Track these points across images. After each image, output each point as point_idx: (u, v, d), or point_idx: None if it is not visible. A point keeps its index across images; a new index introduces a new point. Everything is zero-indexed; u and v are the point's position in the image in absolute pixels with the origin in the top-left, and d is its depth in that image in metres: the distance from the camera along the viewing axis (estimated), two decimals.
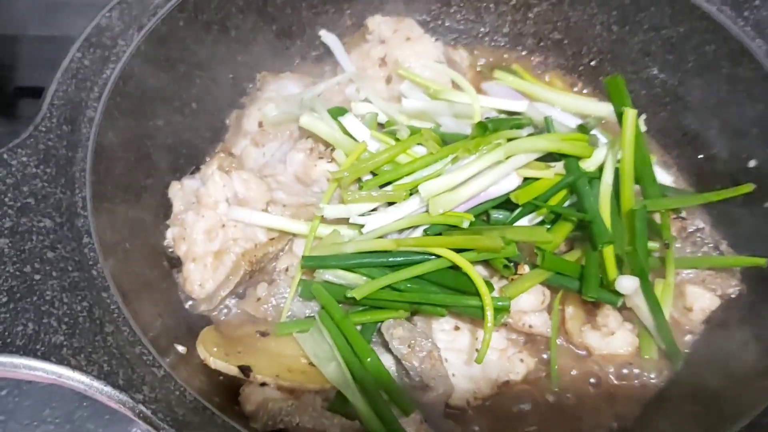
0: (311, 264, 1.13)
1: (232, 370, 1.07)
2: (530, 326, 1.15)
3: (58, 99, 1.07)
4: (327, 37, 1.46)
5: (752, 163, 1.22)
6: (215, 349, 1.10)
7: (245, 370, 1.07)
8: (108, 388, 0.86)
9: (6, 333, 0.87)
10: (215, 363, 1.08)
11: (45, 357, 0.86)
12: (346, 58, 1.44)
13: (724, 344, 1.14)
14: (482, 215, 1.17)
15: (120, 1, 1.18)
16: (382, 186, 1.17)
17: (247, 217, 1.20)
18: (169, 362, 0.95)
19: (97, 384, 0.86)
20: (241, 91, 1.43)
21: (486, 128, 1.15)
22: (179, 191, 1.26)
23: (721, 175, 1.27)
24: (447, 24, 1.55)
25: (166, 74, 1.25)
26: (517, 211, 1.15)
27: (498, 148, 1.13)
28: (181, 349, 1.07)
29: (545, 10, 1.47)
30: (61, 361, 0.86)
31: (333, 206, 1.17)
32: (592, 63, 1.48)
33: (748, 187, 1.17)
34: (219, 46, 1.34)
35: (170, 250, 1.23)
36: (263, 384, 1.08)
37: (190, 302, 1.21)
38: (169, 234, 1.24)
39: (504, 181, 1.14)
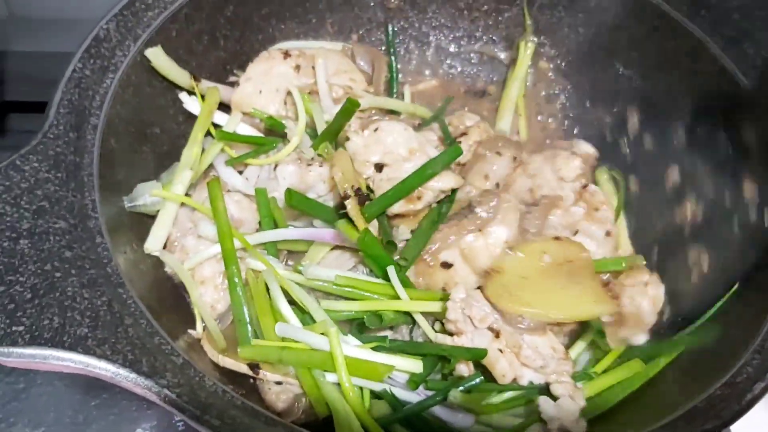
0: None
1: (242, 368, 1.10)
2: None
3: (63, 107, 1.11)
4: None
5: None
6: (221, 348, 1.13)
7: (254, 367, 1.10)
8: (134, 375, 0.91)
9: (33, 327, 0.91)
10: (224, 361, 1.11)
11: (72, 348, 0.90)
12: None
13: None
14: None
15: (116, 14, 1.22)
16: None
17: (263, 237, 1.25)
18: (185, 351, 1.00)
19: (123, 372, 0.90)
20: None
21: None
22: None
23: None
24: (424, 30, 1.64)
25: (160, 83, 1.30)
26: None
27: None
28: (194, 333, 1.14)
29: (515, 14, 1.57)
30: (87, 351, 0.90)
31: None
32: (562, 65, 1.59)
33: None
34: (209, 55, 1.40)
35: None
36: (278, 383, 1.11)
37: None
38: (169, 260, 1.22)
39: None
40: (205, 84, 1.36)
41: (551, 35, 1.56)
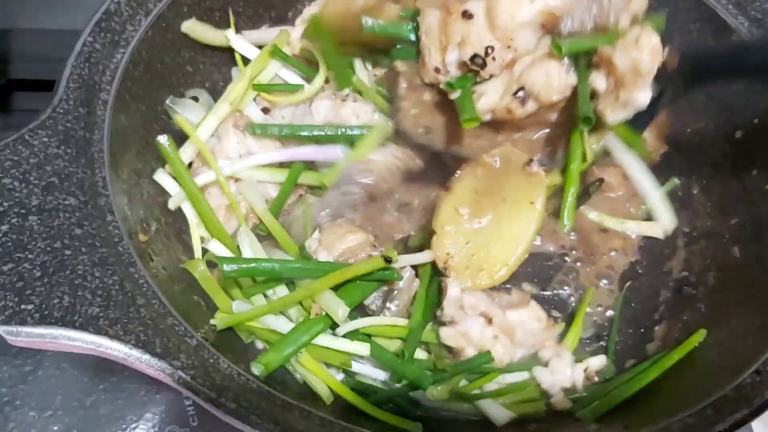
0: None
1: None
2: None
3: (73, 82, 1.08)
4: None
5: (738, 134, 1.28)
6: None
7: None
8: (147, 356, 0.88)
9: (43, 306, 0.88)
10: None
11: (83, 327, 0.88)
12: None
13: None
14: None
15: None
16: None
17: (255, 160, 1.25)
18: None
19: (135, 352, 0.88)
20: None
21: None
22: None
23: (709, 147, 1.33)
24: None
25: (172, 60, 1.27)
26: None
27: None
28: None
29: None
30: (99, 331, 0.88)
31: None
32: None
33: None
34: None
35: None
36: None
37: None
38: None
39: None
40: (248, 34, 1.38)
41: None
